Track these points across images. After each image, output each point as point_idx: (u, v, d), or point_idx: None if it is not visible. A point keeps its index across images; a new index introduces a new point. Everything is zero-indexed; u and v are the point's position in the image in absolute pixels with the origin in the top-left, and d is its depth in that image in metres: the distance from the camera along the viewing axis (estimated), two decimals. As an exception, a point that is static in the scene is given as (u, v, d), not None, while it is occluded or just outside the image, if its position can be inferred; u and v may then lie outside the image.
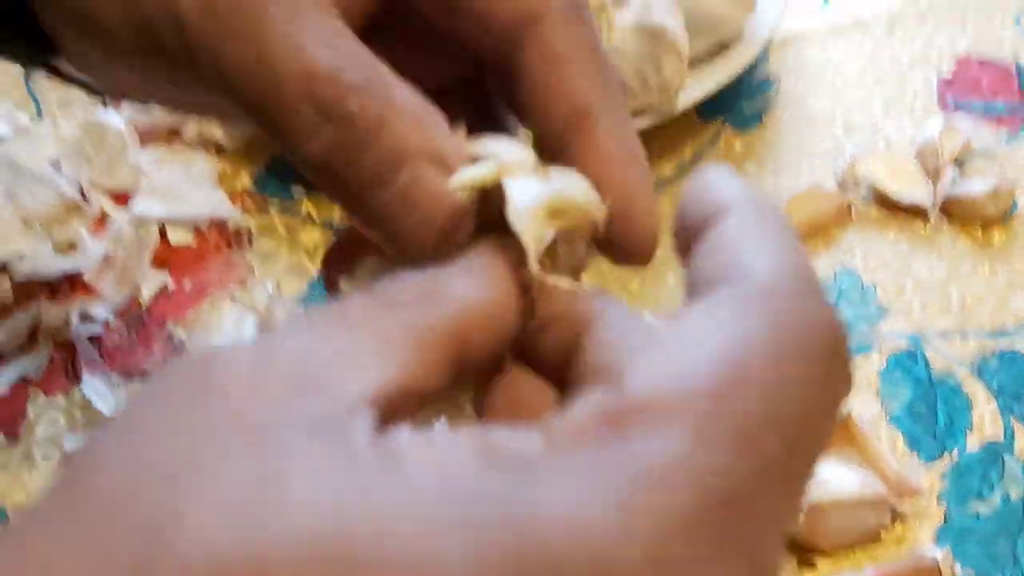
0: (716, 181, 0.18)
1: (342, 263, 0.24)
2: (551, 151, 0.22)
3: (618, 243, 0.21)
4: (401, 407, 0.16)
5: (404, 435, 0.15)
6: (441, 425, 0.18)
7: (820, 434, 0.15)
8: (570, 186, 0.20)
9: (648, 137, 0.53)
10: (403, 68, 0.22)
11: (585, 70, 0.22)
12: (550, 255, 0.20)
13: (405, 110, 0.20)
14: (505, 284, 0.19)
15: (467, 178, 0.20)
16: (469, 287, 0.18)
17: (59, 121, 0.54)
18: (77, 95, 0.58)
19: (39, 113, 0.57)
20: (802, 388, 0.14)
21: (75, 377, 0.45)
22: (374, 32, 0.23)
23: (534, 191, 0.19)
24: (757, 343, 0.14)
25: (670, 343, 0.15)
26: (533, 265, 0.19)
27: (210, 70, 0.21)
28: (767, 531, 0.14)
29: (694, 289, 0.17)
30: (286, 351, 0.16)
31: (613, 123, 0.22)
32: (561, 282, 0.19)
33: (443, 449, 0.14)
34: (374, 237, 0.21)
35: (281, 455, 0.14)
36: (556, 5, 0.22)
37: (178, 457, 0.14)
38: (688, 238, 0.18)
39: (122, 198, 0.51)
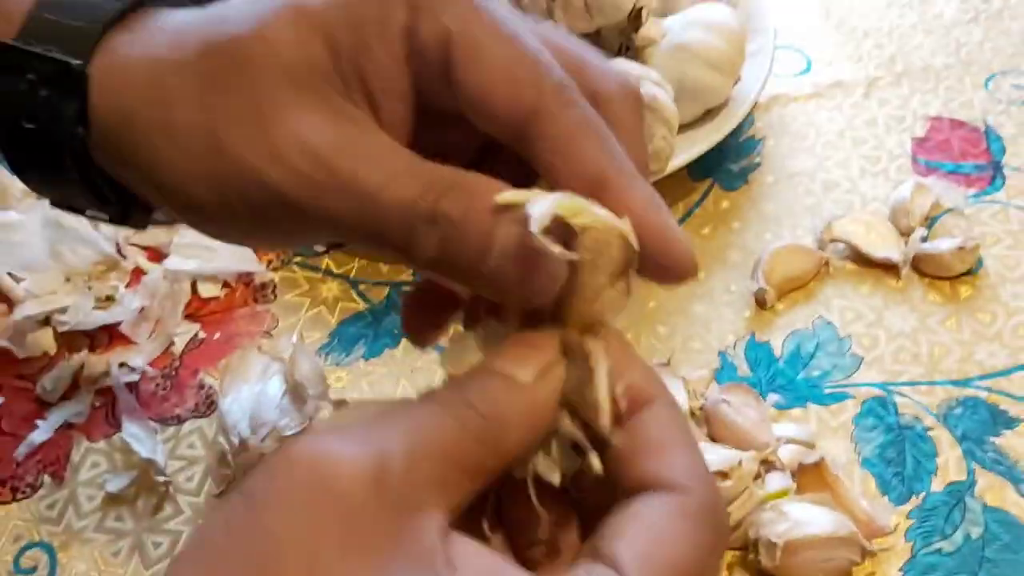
0: (638, 366, 0.25)
1: (423, 320, 0.30)
2: None
3: (664, 265, 0.26)
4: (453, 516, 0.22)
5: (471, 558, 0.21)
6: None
7: None
8: (588, 203, 0.24)
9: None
10: (448, 139, 0.27)
11: (589, 145, 0.25)
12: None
13: (482, 188, 0.25)
14: (544, 426, 0.24)
15: (509, 196, 0.24)
16: (525, 434, 0.24)
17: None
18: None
19: (76, 172, 0.61)
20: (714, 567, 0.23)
21: (115, 423, 0.49)
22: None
23: (550, 198, 0.23)
24: (697, 563, 0.22)
25: (647, 557, 0.22)
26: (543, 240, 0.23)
27: (316, 220, 0.25)
28: None
29: (627, 471, 0.24)
30: (394, 481, 0.21)
31: (627, 181, 0.25)
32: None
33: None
34: (495, 298, 0.26)
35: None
36: (548, 91, 0.25)
37: (340, 568, 0.20)
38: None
39: (155, 254, 0.55)
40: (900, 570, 0.42)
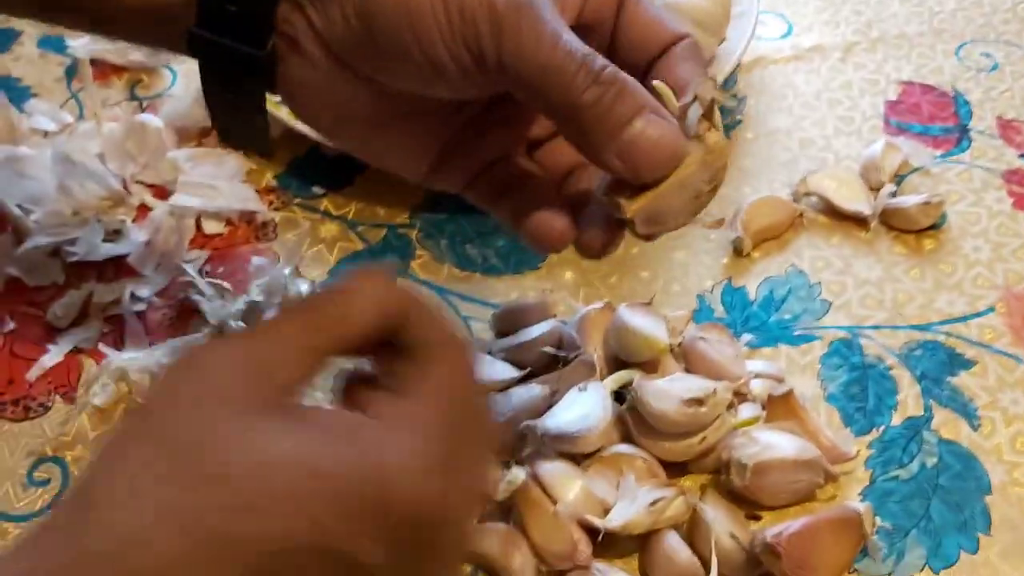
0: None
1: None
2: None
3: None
4: (300, 387, 0.29)
5: (306, 407, 0.29)
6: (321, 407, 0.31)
7: (481, 418, 0.33)
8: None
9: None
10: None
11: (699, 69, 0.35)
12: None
13: (631, 82, 0.32)
14: (376, 317, 0.31)
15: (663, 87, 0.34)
16: (363, 322, 0.30)
17: (101, 120, 0.60)
18: (115, 96, 0.64)
19: (81, 113, 0.63)
20: (469, 398, 0.32)
21: (123, 348, 0.51)
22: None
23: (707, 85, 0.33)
24: (453, 380, 0.31)
25: (414, 379, 0.30)
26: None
27: (511, 57, 0.31)
28: (466, 465, 0.31)
29: (409, 352, 0.31)
30: (245, 353, 0.28)
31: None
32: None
33: (327, 414, 0.29)
34: (618, 167, 0.32)
35: (252, 418, 0.27)
36: (685, 37, 0.35)
37: (204, 418, 0.27)
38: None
39: (160, 192, 0.57)
40: (860, 494, 0.46)
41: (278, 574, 0.25)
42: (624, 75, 0.32)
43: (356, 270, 0.32)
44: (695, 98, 0.32)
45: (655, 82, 0.33)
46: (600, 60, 0.32)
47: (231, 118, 0.37)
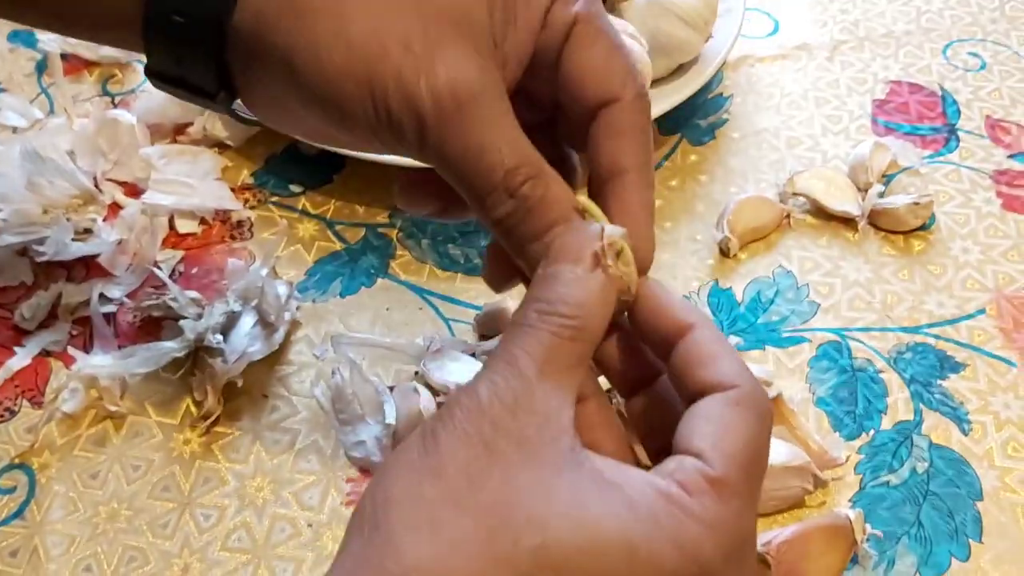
0: (679, 303, 0.30)
1: (502, 268, 0.34)
2: (595, 189, 0.32)
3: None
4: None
5: (604, 466, 0.27)
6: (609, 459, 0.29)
7: (767, 457, 0.30)
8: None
9: (613, 147, 0.59)
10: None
11: (634, 145, 0.32)
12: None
13: (556, 190, 0.31)
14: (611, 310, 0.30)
15: (585, 201, 0.31)
16: (603, 321, 0.29)
17: (72, 116, 0.58)
18: (87, 92, 0.62)
19: (52, 109, 0.61)
20: (765, 443, 0.29)
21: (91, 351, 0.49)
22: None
23: (618, 228, 0.30)
24: (756, 438, 0.28)
25: (719, 441, 0.28)
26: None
27: (433, 154, 0.30)
28: (754, 522, 0.29)
29: (689, 384, 0.29)
30: (532, 402, 0.27)
31: (640, 183, 0.32)
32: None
33: (636, 485, 0.27)
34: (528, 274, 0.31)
35: (574, 483, 0.26)
36: (629, 90, 0.32)
37: (528, 481, 0.26)
38: (664, 341, 0.30)
39: (132, 190, 0.56)
40: (850, 500, 0.45)
41: None
42: (546, 183, 0.30)
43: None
44: (604, 246, 0.30)
45: (581, 199, 0.31)
46: (524, 171, 0.30)
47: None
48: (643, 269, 0.32)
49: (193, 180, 0.55)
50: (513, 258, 0.32)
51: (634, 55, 0.33)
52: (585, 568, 0.25)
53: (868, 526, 0.43)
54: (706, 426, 0.28)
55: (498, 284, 0.36)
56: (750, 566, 0.28)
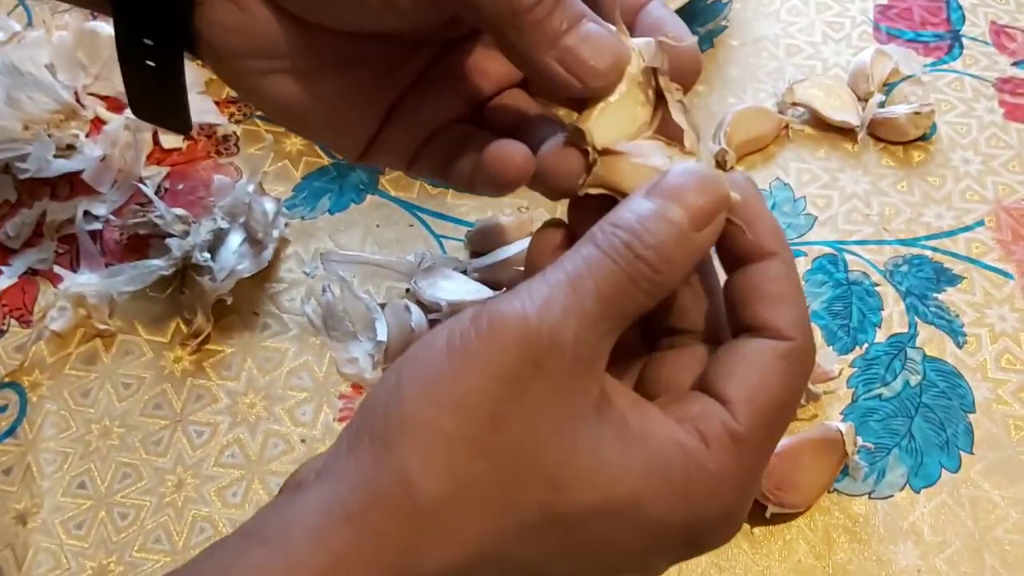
0: (771, 225, 0.28)
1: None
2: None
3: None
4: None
5: (632, 415, 0.26)
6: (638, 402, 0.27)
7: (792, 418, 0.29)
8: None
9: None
10: None
11: None
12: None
13: None
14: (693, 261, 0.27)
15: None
16: (685, 269, 0.26)
17: (51, 29, 0.57)
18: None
19: (30, 21, 0.59)
20: (796, 404, 0.28)
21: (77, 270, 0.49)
22: None
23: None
24: (791, 398, 0.27)
25: (754, 395, 0.26)
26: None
27: None
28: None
29: (744, 313, 0.27)
30: (581, 343, 0.25)
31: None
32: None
33: (658, 437, 0.26)
34: (559, 74, 0.29)
35: (594, 435, 0.25)
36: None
37: (550, 429, 0.24)
38: (737, 256, 0.28)
39: (115, 104, 0.54)
40: (841, 413, 0.45)
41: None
42: None
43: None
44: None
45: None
46: None
47: (147, 85, 0.34)
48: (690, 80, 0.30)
49: (176, 94, 0.54)
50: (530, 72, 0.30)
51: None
52: (591, 524, 0.25)
53: (859, 438, 0.43)
54: (746, 374, 0.26)
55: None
56: (746, 510, 0.28)
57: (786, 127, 0.54)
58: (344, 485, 0.25)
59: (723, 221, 0.27)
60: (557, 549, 0.25)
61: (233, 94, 0.56)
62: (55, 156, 0.51)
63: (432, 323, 0.46)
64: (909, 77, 0.57)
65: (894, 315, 0.48)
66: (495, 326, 0.25)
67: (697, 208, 0.26)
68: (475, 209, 0.52)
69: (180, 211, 0.49)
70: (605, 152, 0.29)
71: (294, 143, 0.54)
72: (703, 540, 0.27)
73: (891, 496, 0.42)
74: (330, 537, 0.24)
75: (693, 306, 0.30)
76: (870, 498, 0.42)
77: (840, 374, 0.45)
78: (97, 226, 0.50)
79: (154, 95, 0.35)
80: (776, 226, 0.28)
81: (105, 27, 0.56)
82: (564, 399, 0.25)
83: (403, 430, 0.24)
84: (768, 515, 0.41)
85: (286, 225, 0.50)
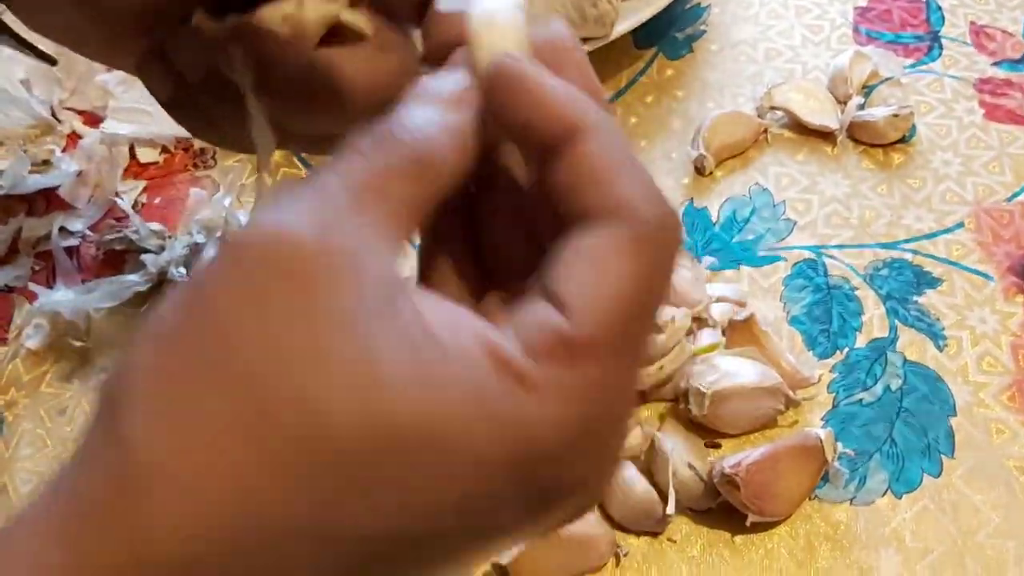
0: (558, 94, 0.22)
1: None
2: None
3: None
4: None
5: (434, 314, 0.20)
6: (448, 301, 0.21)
7: (656, 311, 0.22)
8: None
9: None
10: None
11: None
12: None
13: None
14: (470, 151, 0.23)
15: None
16: (453, 158, 0.22)
17: (26, 43, 0.56)
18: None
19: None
20: (660, 299, 0.22)
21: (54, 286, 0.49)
22: None
23: None
24: (646, 286, 0.21)
25: (592, 291, 0.21)
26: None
27: None
28: (628, 398, 0.22)
29: (574, 206, 0.22)
30: (338, 237, 0.20)
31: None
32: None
33: (466, 346, 0.20)
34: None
35: (369, 342, 0.19)
36: None
37: (302, 342, 0.19)
38: (544, 149, 0.22)
39: (91, 118, 0.54)
40: (822, 419, 0.44)
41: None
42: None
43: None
44: None
45: None
46: None
47: None
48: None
49: (153, 107, 0.53)
50: None
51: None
52: (370, 458, 0.19)
53: (839, 444, 0.43)
54: (579, 267, 0.21)
55: None
56: (617, 444, 0.22)
57: (765, 131, 0.54)
58: (63, 488, 0.19)
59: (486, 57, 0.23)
60: (333, 496, 0.19)
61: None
62: (31, 172, 0.51)
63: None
64: (888, 79, 0.56)
65: (874, 319, 0.48)
66: (227, 249, 0.20)
67: (429, 49, 0.23)
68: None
69: (156, 226, 0.49)
70: None
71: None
72: (545, 483, 0.20)
73: (872, 502, 0.42)
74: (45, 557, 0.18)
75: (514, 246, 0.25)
76: (851, 504, 0.42)
77: (820, 380, 0.45)
78: (73, 242, 0.50)
79: None
80: (577, 93, 0.22)
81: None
82: (322, 300, 0.19)
83: (122, 391, 0.19)
84: (749, 524, 0.41)
85: (263, 238, 0.50)
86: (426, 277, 0.25)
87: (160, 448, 0.18)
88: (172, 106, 0.32)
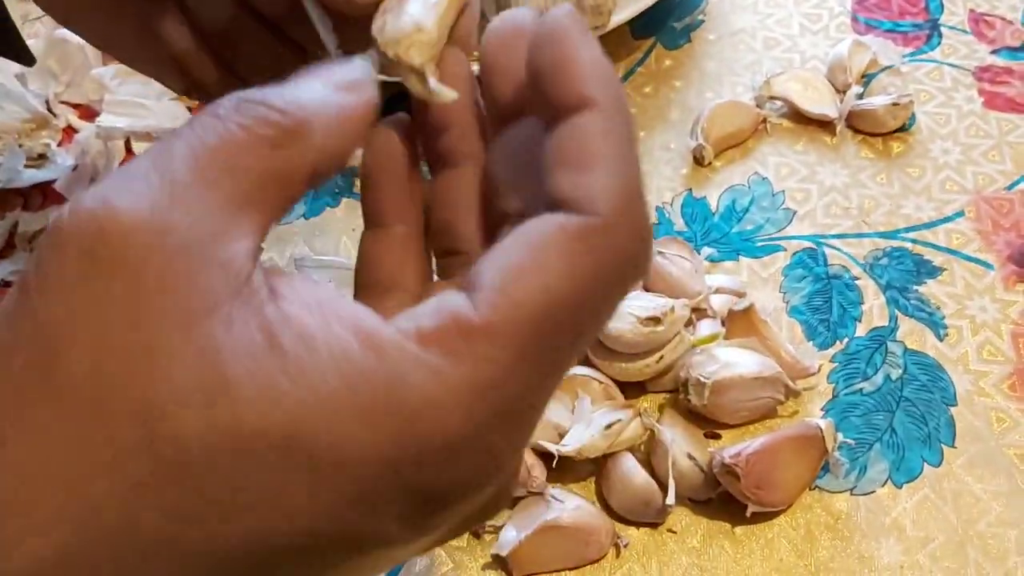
0: (589, 67, 0.20)
1: None
2: None
3: None
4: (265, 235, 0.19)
5: (296, 300, 0.18)
6: (326, 294, 0.19)
7: (593, 329, 0.19)
8: None
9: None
10: None
11: None
12: None
13: None
14: (359, 131, 0.21)
15: None
16: (332, 131, 0.20)
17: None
18: (35, 11, 0.60)
19: (0, 28, 0.59)
20: (596, 310, 0.19)
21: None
22: None
23: None
24: (579, 287, 0.18)
25: (512, 280, 0.18)
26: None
27: None
28: (529, 407, 0.19)
29: (545, 188, 0.20)
30: (181, 228, 0.17)
31: None
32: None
33: (331, 330, 0.18)
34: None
35: (214, 337, 0.17)
36: None
37: (135, 343, 0.17)
38: (547, 100, 0.20)
39: (87, 112, 0.54)
40: (822, 409, 0.44)
41: None
42: None
43: None
44: None
45: None
46: None
47: None
48: None
49: (148, 100, 0.53)
50: None
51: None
52: (224, 473, 0.17)
53: (839, 435, 0.43)
54: (509, 251, 0.18)
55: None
56: (513, 452, 0.19)
57: (764, 121, 0.54)
58: None
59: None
60: (186, 510, 0.17)
61: (205, 101, 0.56)
62: (26, 166, 0.51)
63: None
64: (887, 68, 0.56)
65: (874, 309, 0.47)
66: (45, 240, 0.18)
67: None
68: (452, 210, 0.51)
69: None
70: None
71: (268, 147, 0.54)
72: (428, 482, 0.18)
73: (873, 492, 0.42)
74: None
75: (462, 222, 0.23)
76: (852, 494, 0.42)
77: (820, 369, 0.45)
78: (70, 236, 0.50)
79: None
80: (598, 69, 0.20)
81: (75, 35, 0.55)
82: (150, 298, 0.17)
83: None
84: (749, 514, 0.40)
85: (261, 231, 0.50)
86: (369, 268, 0.23)
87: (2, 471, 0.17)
88: (187, 60, 0.31)
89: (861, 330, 0.47)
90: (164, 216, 0.17)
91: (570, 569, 0.40)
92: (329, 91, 0.20)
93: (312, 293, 0.18)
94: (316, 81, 0.20)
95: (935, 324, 0.47)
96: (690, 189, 0.52)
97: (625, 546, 0.41)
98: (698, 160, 0.53)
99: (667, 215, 0.51)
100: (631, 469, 0.41)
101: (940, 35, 0.58)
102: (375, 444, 0.17)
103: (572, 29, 0.20)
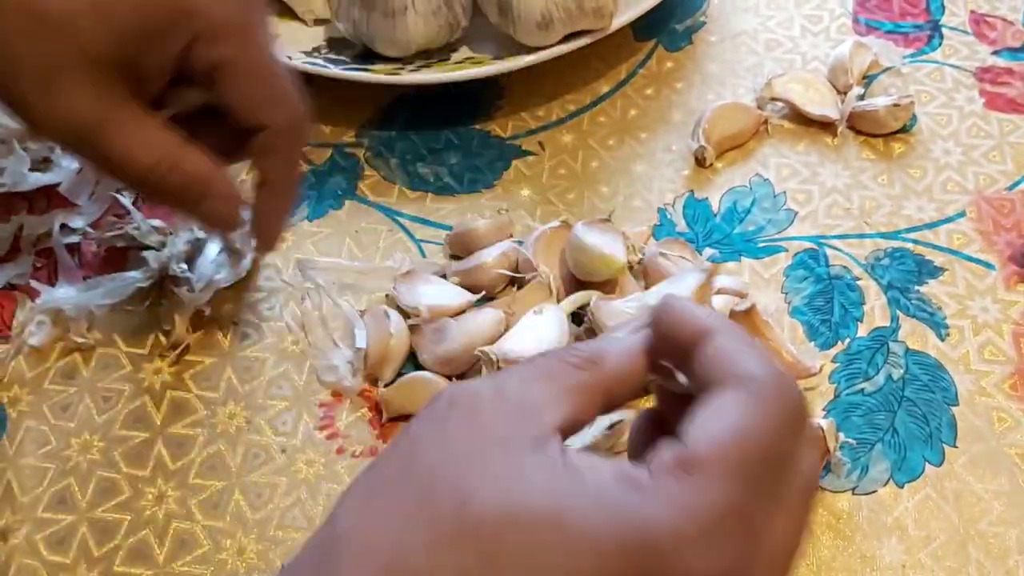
0: (690, 311, 0.28)
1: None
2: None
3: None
4: (570, 430, 0.27)
5: (579, 456, 0.26)
6: (594, 454, 0.27)
7: (793, 466, 0.26)
8: None
9: (586, 57, 0.57)
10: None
11: (277, 163, 0.40)
12: None
13: (194, 167, 0.37)
14: (639, 362, 0.29)
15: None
16: (620, 362, 0.28)
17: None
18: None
19: (4, 33, 0.59)
20: (781, 445, 0.25)
21: (56, 284, 0.49)
22: None
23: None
24: (757, 424, 0.25)
25: (705, 422, 0.25)
26: None
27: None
28: (770, 525, 0.25)
29: (705, 386, 0.26)
30: (511, 392, 0.27)
31: (278, 192, 0.42)
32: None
33: (599, 468, 0.25)
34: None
35: (518, 458, 0.25)
36: (278, 120, 0.38)
37: (463, 455, 0.25)
38: (675, 353, 0.28)
39: (91, 115, 0.54)
40: (824, 409, 0.44)
41: None
42: (183, 169, 0.36)
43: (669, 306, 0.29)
44: None
45: None
46: (164, 164, 0.36)
47: None
48: (266, 247, 0.41)
49: (152, 104, 0.53)
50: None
51: (287, 94, 0.38)
52: (507, 536, 0.24)
53: (841, 434, 0.43)
54: (704, 414, 0.25)
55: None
56: (731, 553, 0.25)
57: (765, 122, 0.54)
58: None
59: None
60: (470, 560, 0.24)
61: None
62: (31, 169, 0.51)
63: (412, 328, 0.46)
64: (888, 69, 0.56)
65: (876, 309, 0.48)
66: (427, 402, 0.27)
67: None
68: (455, 212, 0.52)
69: (157, 222, 0.49)
70: None
71: (272, 150, 0.54)
72: (653, 572, 0.24)
73: (875, 491, 0.42)
74: None
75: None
76: (853, 494, 0.42)
77: (822, 370, 0.45)
78: (74, 239, 0.50)
79: None
80: (701, 307, 0.29)
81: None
82: (484, 429, 0.26)
83: (348, 489, 0.26)
84: (751, 514, 0.41)
85: (264, 233, 0.50)
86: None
87: (353, 518, 0.25)
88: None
89: (863, 330, 0.47)
90: (503, 389, 0.27)
91: (573, 569, 0.40)
92: (623, 333, 0.29)
93: (589, 457, 0.26)
94: (617, 331, 0.29)
95: (936, 324, 0.47)
96: (692, 190, 0.52)
97: (628, 546, 0.41)
98: (700, 161, 0.53)
99: (669, 216, 0.51)
100: (633, 470, 0.41)
101: (941, 36, 0.58)
102: (615, 534, 0.24)
103: (674, 300, 0.29)
